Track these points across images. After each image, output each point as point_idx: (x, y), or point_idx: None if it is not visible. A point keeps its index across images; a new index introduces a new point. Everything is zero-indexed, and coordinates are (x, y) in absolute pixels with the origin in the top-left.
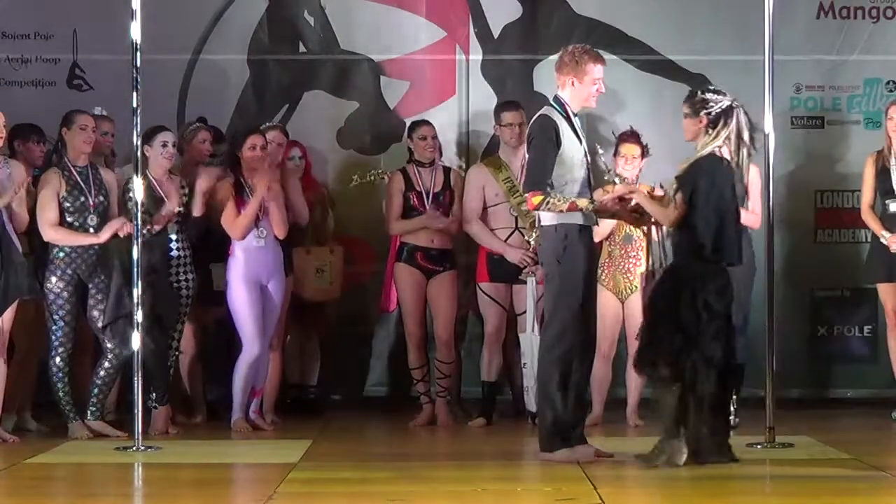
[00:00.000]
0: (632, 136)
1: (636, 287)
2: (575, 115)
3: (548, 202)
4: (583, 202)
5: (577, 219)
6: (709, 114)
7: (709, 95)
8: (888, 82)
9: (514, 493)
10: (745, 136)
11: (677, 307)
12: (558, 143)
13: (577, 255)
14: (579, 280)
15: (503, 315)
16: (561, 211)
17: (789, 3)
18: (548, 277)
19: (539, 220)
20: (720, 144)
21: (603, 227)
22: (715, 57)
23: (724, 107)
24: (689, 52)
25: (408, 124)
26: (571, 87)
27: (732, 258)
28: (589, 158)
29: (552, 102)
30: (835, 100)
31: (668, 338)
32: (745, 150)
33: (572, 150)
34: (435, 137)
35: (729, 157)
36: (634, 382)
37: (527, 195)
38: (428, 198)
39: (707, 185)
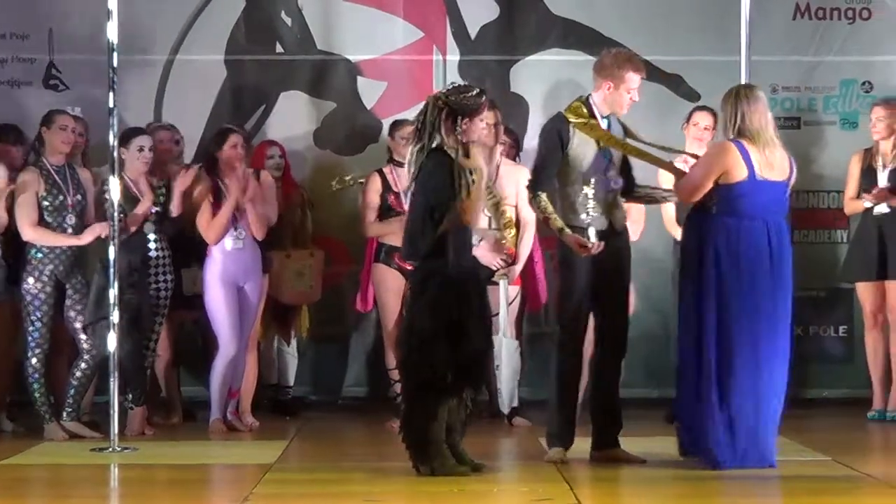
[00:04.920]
0: None
1: None
2: (604, 117)
3: (530, 202)
4: (557, 223)
5: (580, 221)
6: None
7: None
8: (864, 83)
9: (491, 494)
10: None
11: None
12: (564, 144)
13: (574, 258)
14: (579, 281)
15: None
16: (539, 218)
17: (766, 5)
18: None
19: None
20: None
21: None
22: (692, 57)
23: None
24: (665, 53)
25: (389, 124)
26: (606, 91)
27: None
28: (610, 160)
29: (583, 101)
30: (811, 100)
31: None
32: None
33: (584, 152)
34: None
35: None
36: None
37: None
38: (406, 198)
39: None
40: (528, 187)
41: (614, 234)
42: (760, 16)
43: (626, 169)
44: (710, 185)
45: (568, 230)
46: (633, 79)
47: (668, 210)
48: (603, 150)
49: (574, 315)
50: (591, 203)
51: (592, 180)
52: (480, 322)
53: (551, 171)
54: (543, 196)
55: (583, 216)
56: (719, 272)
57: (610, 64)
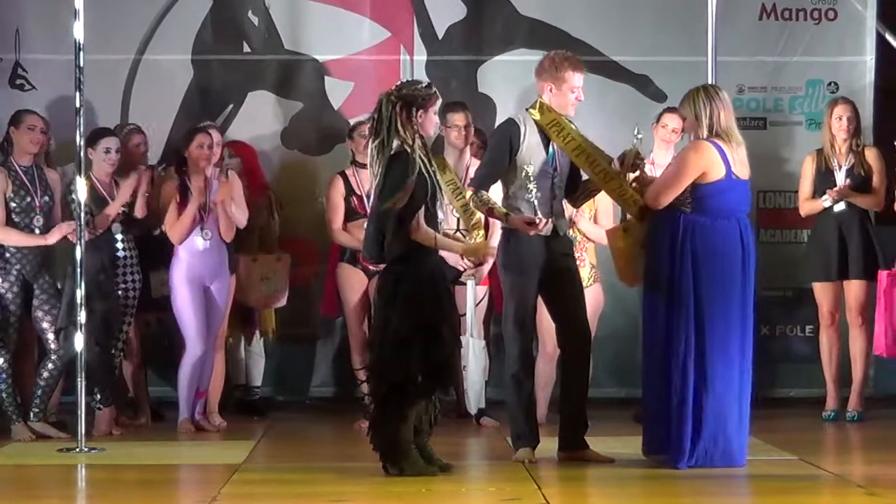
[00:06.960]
0: None
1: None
2: None
3: (472, 199)
4: (501, 210)
5: (526, 210)
6: None
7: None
8: (830, 83)
9: (459, 494)
10: None
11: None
12: (514, 150)
13: (521, 258)
14: (525, 283)
15: None
16: (482, 212)
17: (732, 5)
18: (501, 280)
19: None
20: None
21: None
22: (658, 58)
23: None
24: (632, 53)
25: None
26: (549, 93)
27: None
28: (557, 166)
29: (531, 106)
30: (777, 101)
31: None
32: None
33: (531, 156)
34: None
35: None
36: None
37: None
38: (369, 200)
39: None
40: (470, 185)
41: (559, 239)
42: (727, 16)
43: (574, 175)
44: (686, 186)
45: (512, 214)
46: (575, 77)
47: None
48: (550, 155)
49: (524, 316)
50: (532, 185)
51: (535, 174)
52: (450, 323)
53: (497, 173)
54: (484, 192)
55: (528, 196)
56: (695, 271)
57: (548, 66)
